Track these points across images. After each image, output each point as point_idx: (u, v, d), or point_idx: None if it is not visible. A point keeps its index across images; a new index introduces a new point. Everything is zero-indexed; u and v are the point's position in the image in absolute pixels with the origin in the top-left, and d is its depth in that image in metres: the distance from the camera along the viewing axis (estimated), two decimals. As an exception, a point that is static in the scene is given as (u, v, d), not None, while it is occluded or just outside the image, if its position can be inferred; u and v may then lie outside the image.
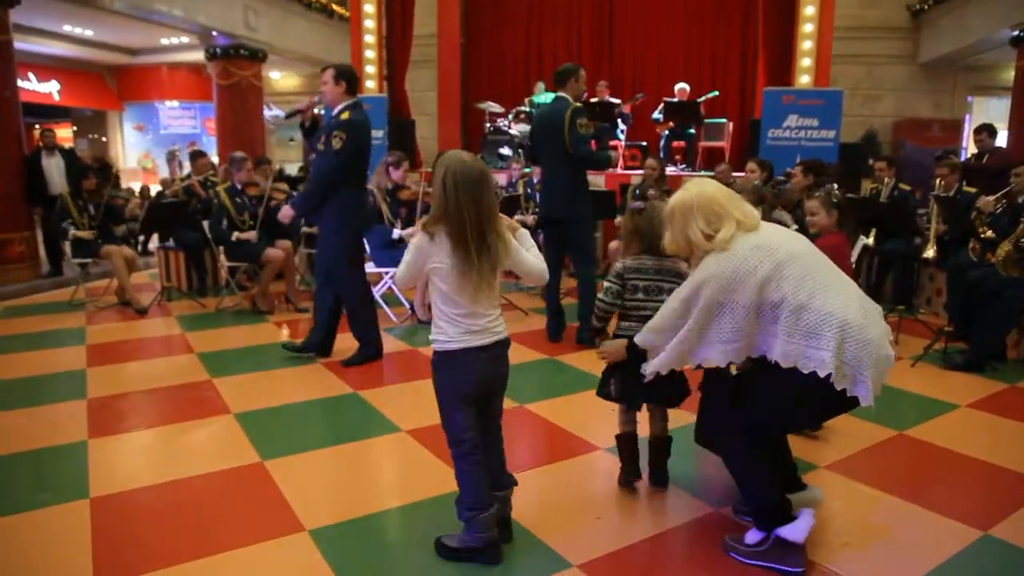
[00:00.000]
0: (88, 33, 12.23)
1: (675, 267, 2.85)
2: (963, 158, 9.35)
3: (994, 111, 11.95)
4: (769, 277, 2.23)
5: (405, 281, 2.38)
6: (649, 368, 2.53)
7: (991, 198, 5.08)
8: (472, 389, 2.35)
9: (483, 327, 2.32)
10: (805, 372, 2.18)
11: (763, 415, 2.38)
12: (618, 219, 6.72)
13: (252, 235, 6.06)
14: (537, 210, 6.87)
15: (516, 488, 2.51)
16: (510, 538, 2.49)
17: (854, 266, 5.51)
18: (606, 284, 2.87)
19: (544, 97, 10.28)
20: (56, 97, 13.71)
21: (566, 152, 4.87)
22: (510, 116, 10.09)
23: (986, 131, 7.33)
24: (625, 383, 2.79)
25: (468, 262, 2.21)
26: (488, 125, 10.13)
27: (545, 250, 5.05)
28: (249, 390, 4.14)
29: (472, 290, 2.26)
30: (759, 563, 2.33)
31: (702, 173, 9.16)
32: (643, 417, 2.97)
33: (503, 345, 2.38)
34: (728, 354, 2.33)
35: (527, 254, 2.39)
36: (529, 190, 7.11)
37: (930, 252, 5.45)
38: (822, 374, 2.14)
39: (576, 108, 4.86)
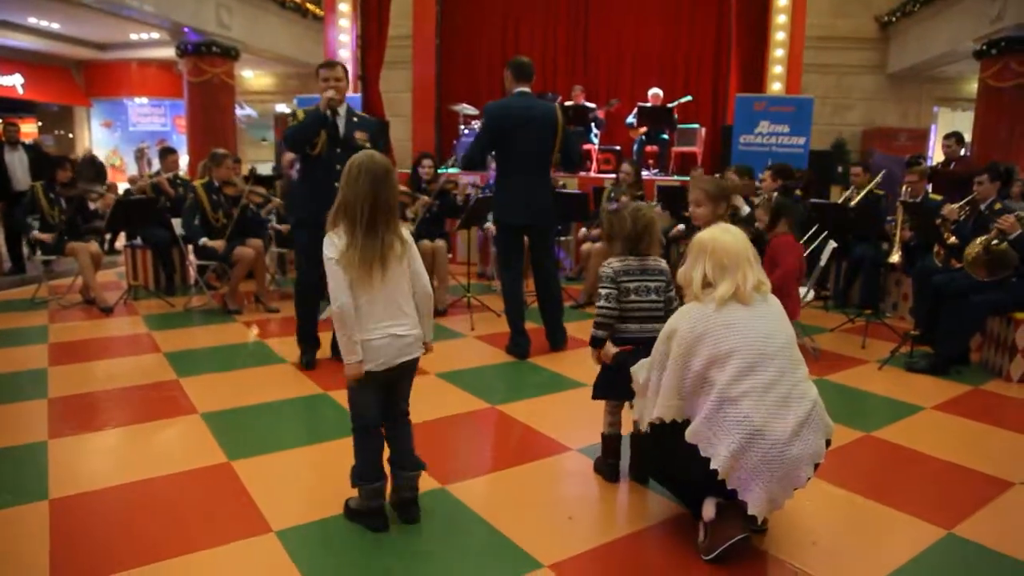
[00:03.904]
0: (55, 26, 11.98)
1: (657, 265, 2.89)
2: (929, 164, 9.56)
3: (959, 122, 12.24)
4: (715, 358, 2.29)
5: (337, 297, 2.37)
6: (655, 415, 2.47)
7: (955, 206, 5.19)
8: (376, 374, 2.43)
9: (390, 322, 2.40)
10: (703, 455, 2.27)
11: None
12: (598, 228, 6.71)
13: (220, 244, 5.84)
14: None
15: (488, 488, 2.50)
16: (417, 518, 2.59)
17: (822, 269, 5.61)
18: (603, 291, 2.87)
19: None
20: (20, 91, 13.40)
21: (551, 154, 4.59)
22: (484, 119, 10.07)
23: (955, 138, 7.53)
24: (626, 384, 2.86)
25: (351, 251, 2.29)
26: (462, 127, 10.11)
27: (510, 256, 4.85)
28: (217, 390, 4.07)
29: (356, 279, 2.32)
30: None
31: (675, 178, 9.24)
32: (627, 418, 3.00)
33: (409, 339, 2.46)
34: (668, 410, 2.42)
35: (422, 269, 2.47)
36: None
37: (895, 257, 5.55)
38: (712, 466, 2.24)
39: (563, 107, 4.61)
